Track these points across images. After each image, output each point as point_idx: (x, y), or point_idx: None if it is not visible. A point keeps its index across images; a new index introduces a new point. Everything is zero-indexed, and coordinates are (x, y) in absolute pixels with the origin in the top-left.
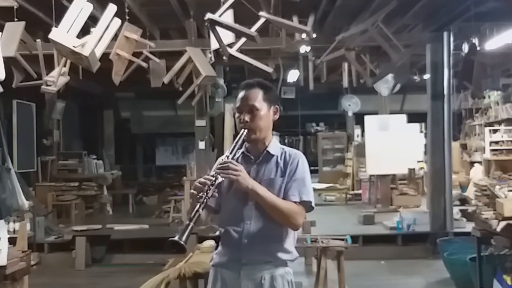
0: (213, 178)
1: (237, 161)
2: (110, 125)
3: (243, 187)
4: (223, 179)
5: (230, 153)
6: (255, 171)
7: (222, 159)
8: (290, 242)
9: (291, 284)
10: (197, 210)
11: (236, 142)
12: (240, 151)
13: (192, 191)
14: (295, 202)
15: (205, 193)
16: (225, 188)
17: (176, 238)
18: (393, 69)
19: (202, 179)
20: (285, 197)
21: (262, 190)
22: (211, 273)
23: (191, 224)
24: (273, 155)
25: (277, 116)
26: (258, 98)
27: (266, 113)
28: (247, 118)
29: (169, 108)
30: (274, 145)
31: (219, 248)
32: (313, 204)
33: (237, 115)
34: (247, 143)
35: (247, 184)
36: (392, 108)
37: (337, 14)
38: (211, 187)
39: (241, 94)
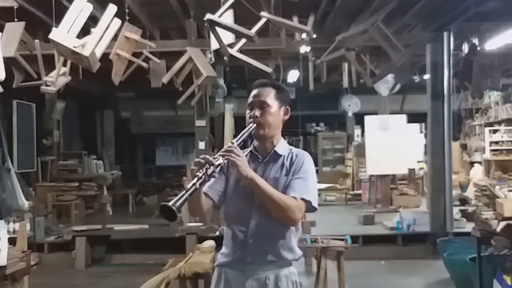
0: (215, 158)
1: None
2: (110, 125)
3: (242, 175)
4: (225, 161)
5: (236, 141)
6: (261, 170)
7: (228, 145)
8: (294, 241)
9: (296, 284)
10: (194, 184)
11: (243, 133)
12: (248, 149)
13: (192, 167)
14: (294, 198)
15: (204, 170)
16: (231, 186)
17: (169, 203)
18: (393, 69)
19: (204, 157)
20: (285, 193)
21: (260, 181)
22: (215, 273)
23: (186, 194)
24: (280, 155)
25: (287, 117)
26: (270, 96)
27: (277, 111)
28: (257, 113)
29: (169, 108)
30: (282, 145)
31: (223, 248)
32: (314, 205)
33: (247, 112)
34: (255, 142)
35: (247, 172)
36: (392, 108)
37: (337, 14)
38: (211, 166)
39: (253, 91)
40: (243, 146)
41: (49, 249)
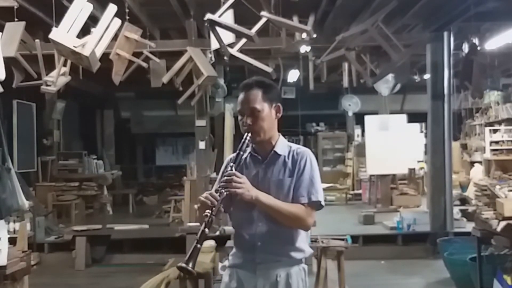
0: (218, 194)
1: (245, 161)
2: (110, 125)
3: (247, 199)
4: (228, 193)
5: (235, 162)
6: (263, 172)
7: (227, 170)
8: (303, 240)
9: (305, 282)
10: (203, 231)
11: (240, 148)
12: (248, 149)
13: (197, 205)
14: (304, 204)
15: (210, 211)
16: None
17: (184, 264)
18: (393, 69)
19: (208, 196)
20: (294, 198)
21: (266, 199)
22: (226, 273)
23: (198, 245)
24: (280, 155)
25: (279, 115)
26: (258, 99)
27: (268, 113)
28: (249, 121)
29: (169, 108)
30: (281, 144)
31: (234, 249)
32: (322, 203)
33: (239, 117)
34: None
35: (251, 195)
36: (392, 108)
37: (337, 14)
38: (216, 202)
39: (240, 96)
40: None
41: (49, 249)
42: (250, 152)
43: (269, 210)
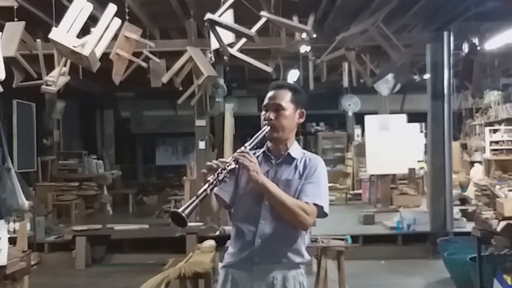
0: (227, 163)
1: (257, 158)
2: (110, 125)
3: (253, 180)
4: (236, 165)
5: (249, 145)
6: (273, 172)
7: (241, 149)
8: (303, 245)
9: (302, 286)
10: (205, 189)
11: (257, 136)
12: (262, 150)
13: (203, 170)
14: (307, 202)
15: (215, 175)
16: (242, 186)
17: (179, 210)
18: (393, 69)
19: (215, 161)
20: (299, 198)
21: (271, 186)
22: (222, 274)
23: (197, 201)
24: (294, 158)
25: (302, 120)
26: (286, 99)
27: (292, 114)
28: (272, 116)
29: (169, 108)
30: (296, 149)
31: (230, 248)
32: (326, 210)
33: (263, 113)
34: (269, 143)
35: (257, 178)
36: (392, 108)
37: (337, 14)
38: (223, 171)
39: (270, 93)
40: (258, 146)
41: (49, 249)
42: (263, 151)
43: (272, 198)
